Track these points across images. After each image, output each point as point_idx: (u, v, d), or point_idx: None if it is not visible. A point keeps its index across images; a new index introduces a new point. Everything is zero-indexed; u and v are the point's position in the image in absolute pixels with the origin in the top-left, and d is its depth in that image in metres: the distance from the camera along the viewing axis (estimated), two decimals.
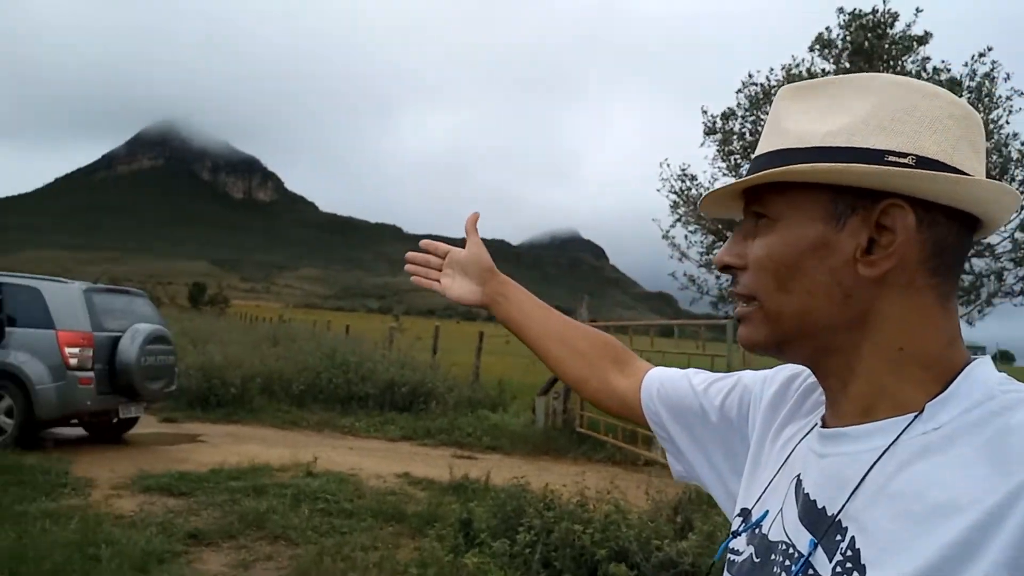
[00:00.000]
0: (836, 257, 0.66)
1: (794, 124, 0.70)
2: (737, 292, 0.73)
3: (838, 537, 0.64)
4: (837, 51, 10.77)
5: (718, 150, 11.63)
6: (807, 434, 0.74)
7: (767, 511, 0.75)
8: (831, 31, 10.78)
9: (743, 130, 11.46)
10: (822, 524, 0.66)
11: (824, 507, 0.66)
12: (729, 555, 0.78)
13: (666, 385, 0.98)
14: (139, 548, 4.67)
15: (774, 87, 11.00)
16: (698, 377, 0.96)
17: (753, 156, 0.73)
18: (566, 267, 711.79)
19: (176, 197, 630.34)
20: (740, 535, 0.78)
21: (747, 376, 0.91)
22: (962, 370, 0.65)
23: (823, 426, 0.72)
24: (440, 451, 9.42)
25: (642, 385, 1.01)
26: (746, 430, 0.87)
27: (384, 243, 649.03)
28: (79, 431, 8.60)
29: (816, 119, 0.69)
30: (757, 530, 0.75)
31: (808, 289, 0.67)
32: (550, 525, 4.42)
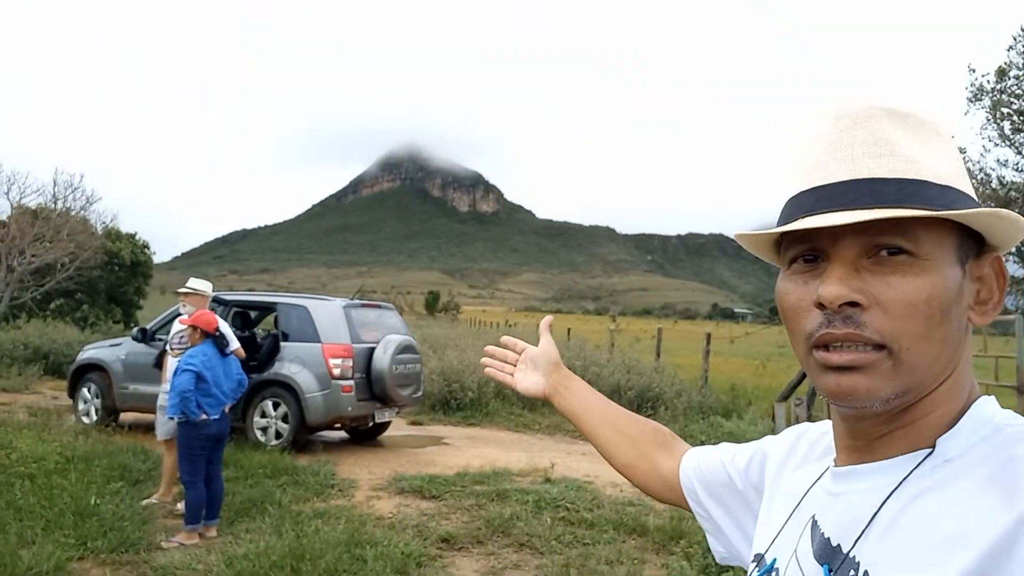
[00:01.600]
0: (964, 302, 0.66)
1: (919, 155, 0.66)
2: (863, 336, 0.63)
3: (851, 573, 0.64)
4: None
5: (988, 116, 10.02)
6: (820, 476, 0.75)
7: (777, 556, 0.75)
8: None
9: (1020, 90, 9.77)
10: (836, 561, 0.66)
11: (839, 544, 0.67)
12: None
13: (700, 462, 1.00)
14: (399, 551, 4.98)
15: None
16: (728, 449, 0.98)
17: (851, 177, 0.65)
18: None
19: (410, 214, 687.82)
20: None
21: (766, 440, 0.92)
22: (970, 406, 0.66)
23: (835, 466, 0.72)
24: None
25: (681, 464, 1.03)
26: (763, 487, 0.88)
27: (598, 244, 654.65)
28: (341, 434, 9.53)
29: (928, 153, 0.66)
30: (773, 574, 0.75)
31: (945, 337, 0.64)
32: None
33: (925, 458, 0.64)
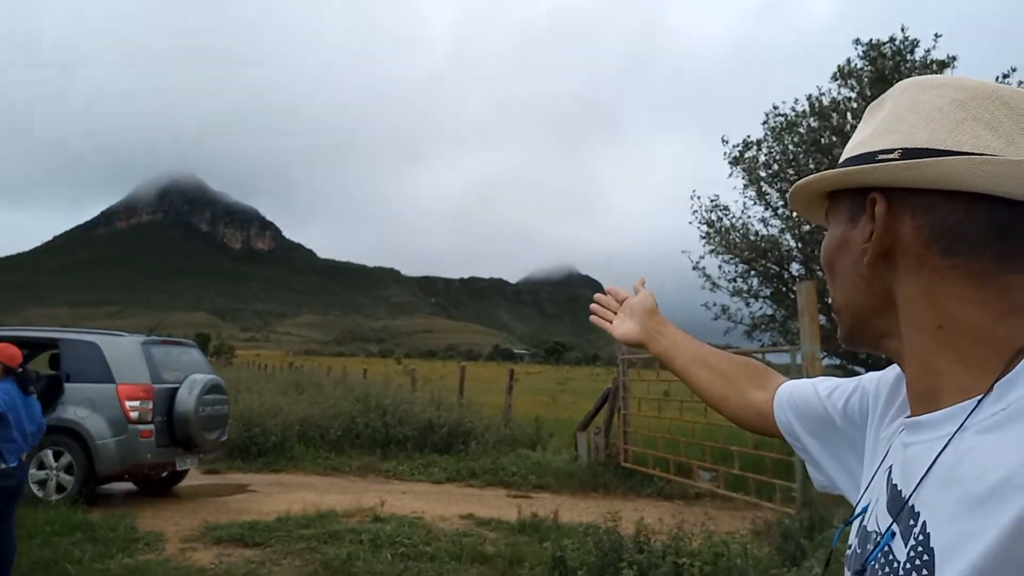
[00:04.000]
0: (852, 251, 0.74)
1: (854, 139, 0.78)
2: None
3: (911, 522, 0.65)
4: (860, 81, 10.97)
5: (744, 181, 11.77)
6: (902, 427, 0.76)
7: (870, 502, 0.77)
8: (851, 62, 11.00)
9: (769, 159, 11.62)
10: (900, 511, 0.68)
11: (904, 495, 0.68)
12: (847, 549, 0.81)
13: (795, 396, 1.02)
14: None
15: (799, 117, 11.19)
16: (823, 384, 0.99)
17: None
18: (563, 302, 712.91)
19: (174, 249, 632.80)
20: (851, 525, 0.81)
21: (867, 378, 0.93)
22: None
23: (908, 416, 0.75)
24: (490, 491, 9.35)
25: (775, 397, 1.06)
26: (867, 430, 0.89)
27: (383, 287, 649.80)
28: (128, 486, 8.54)
29: (858, 135, 0.77)
30: (862, 521, 0.77)
31: (842, 282, 0.77)
32: (656, 560, 4.39)
33: (978, 403, 0.63)
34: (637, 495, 9.28)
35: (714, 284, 12.14)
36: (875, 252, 0.71)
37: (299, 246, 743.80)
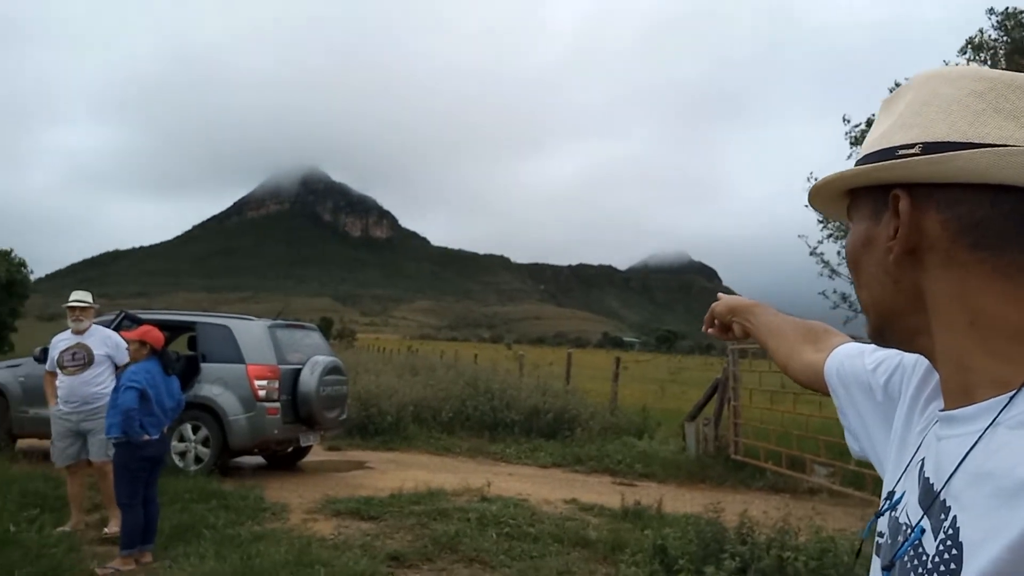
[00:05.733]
0: (877, 249, 0.73)
1: (873, 132, 0.76)
2: None
3: (942, 516, 0.65)
4: (992, 52, 10.14)
5: None
6: (936, 419, 0.75)
7: (903, 493, 0.76)
8: (984, 32, 10.17)
9: None
10: (932, 504, 0.68)
11: (935, 488, 0.68)
12: (877, 537, 0.80)
13: (845, 363, 1.02)
14: (349, 569, 4.93)
15: None
16: (873, 356, 0.97)
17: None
18: (676, 290, 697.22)
19: (300, 238, 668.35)
20: (883, 516, 0.79)
21: (909, 356, 0.90)
22: None
23: (941, 410, 0.73)
24: (596, 478, 9.41)
25: (827, 359, 1.06)
26: (896, 410, 0.88)
27: (493, 273, 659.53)
28: (258, 459, 9.21)
29: (878, 127, 0.75)
30: (893, 512, 0.77)
31: (868, 281, 0.75)
32: (759, 552, 4.32)
33: (1011, 399, 0.63)
34: (747, 488, 9.07)
35: (833, 271, 11.60)
36: (901, 249, 0.70)
37: (414, 234, 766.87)
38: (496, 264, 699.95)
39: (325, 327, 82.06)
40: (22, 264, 20.70)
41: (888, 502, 0.79)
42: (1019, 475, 0.58)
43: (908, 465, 0.78)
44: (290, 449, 8.87)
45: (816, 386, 1.10)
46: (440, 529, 5.92)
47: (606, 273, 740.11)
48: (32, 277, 21.94)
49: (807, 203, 0.88)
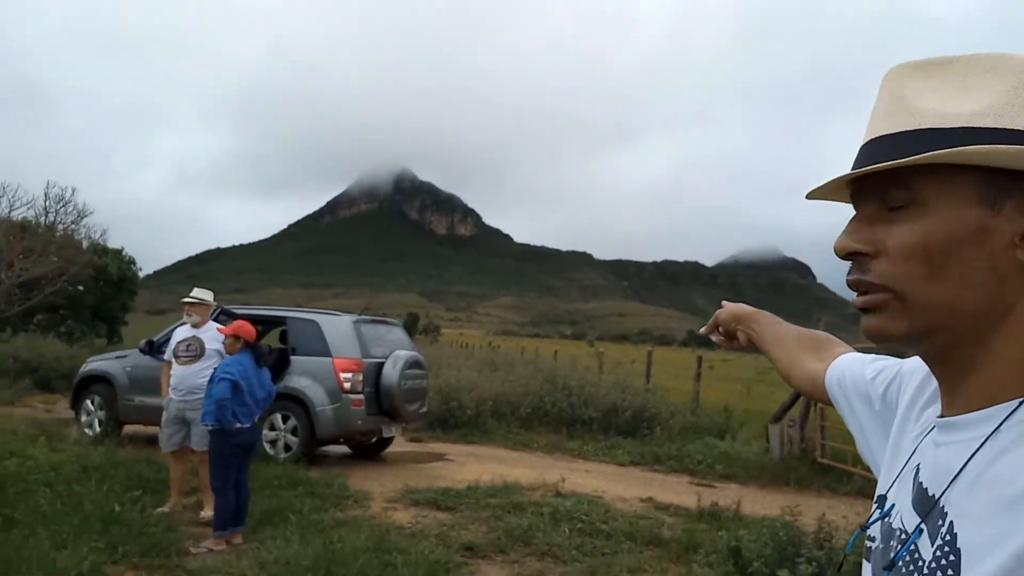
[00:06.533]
0: (995, 242, 0.64)
1: (928, 103, 0.66)
2: (867, 281, 0.69)
3: (939, 522, 0.65)
4: None
5: None
6: (932, 426, 0.74)
7: (896, 499, 0.75)
8: None
9: None
10: (928, 511, 0.67)
11: (932, 495, 0.67)
12: (867, 542, 0.79)
13: (846, 372, 1.00)
14: (425, 557, 5.09)
15: None
16: (872, 365, 0.96)
17: (870, 137, 0.70)
18: (766, 286, 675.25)
19: (388, 236, 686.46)
20: (875, 523, 0.78)
21: (907, 366, 0.88)
22: None
23: (939, 416, 0.72)
24: (674, 478, 9.30)
25: (828, 368, 1.05)
26: (894, 419, 0.86)
27: (575, 270, 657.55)
28: (343, 449, 9.59)
29: (951, 98, 0.66)
30: (887, 518, 0.76)
31: (962, 277, 0.64)
32: (836, 557, 4.20)
33: (1016, 408, 0.62)
34: (833, 492, 8.76)
35: None
36: None
37: (497, 231, 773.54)
38: (579, 260, 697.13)
39: (411, 322, 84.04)
40: (132, 261, 22.21)
41: (880, 509, 0.79)
42: (1021, 485, 0.58)
43: (902, 471, 0.77)
44: (373, 440, 9.18)
45: (817, 395, 1.10)
46: (514, 522, 6.02)
47: (692, 269, 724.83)
48: (140, 274, 23.50)
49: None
